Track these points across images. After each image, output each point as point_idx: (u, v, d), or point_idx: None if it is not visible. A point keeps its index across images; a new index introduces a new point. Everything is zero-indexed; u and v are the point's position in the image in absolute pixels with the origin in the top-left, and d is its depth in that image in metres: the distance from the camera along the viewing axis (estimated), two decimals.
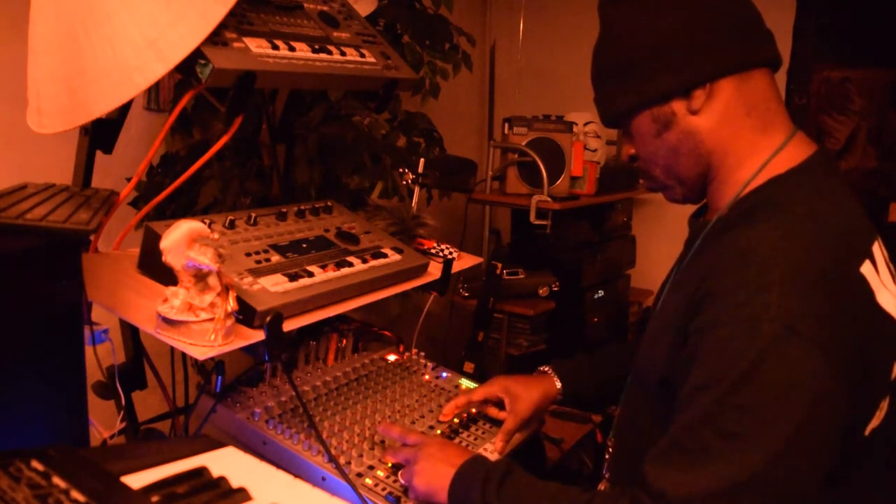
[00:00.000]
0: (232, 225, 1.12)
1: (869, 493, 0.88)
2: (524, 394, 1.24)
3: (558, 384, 1.27)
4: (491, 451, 1.20)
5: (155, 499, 0.59)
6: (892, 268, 0.91)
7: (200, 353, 0.89)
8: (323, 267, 1.10)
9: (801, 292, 0.78)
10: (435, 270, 1.33)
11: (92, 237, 1.10)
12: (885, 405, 0.86)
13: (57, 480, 0.58)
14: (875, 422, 0.85)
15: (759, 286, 0.79)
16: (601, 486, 1.13)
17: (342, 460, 1.07)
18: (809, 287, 0.79)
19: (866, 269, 0.83)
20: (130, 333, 1.16)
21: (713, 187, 0.97)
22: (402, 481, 1.04)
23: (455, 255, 1.42)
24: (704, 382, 0.80)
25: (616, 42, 0.97)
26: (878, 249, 0.88)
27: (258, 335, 0.95)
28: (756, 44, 0.93)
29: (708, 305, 0.83)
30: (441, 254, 1.41)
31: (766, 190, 0.90)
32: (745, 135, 0.92)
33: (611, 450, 1.13)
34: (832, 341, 0.77)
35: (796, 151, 0.92)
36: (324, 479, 1.05)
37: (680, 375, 0.85)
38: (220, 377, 1.16)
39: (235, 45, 1.00)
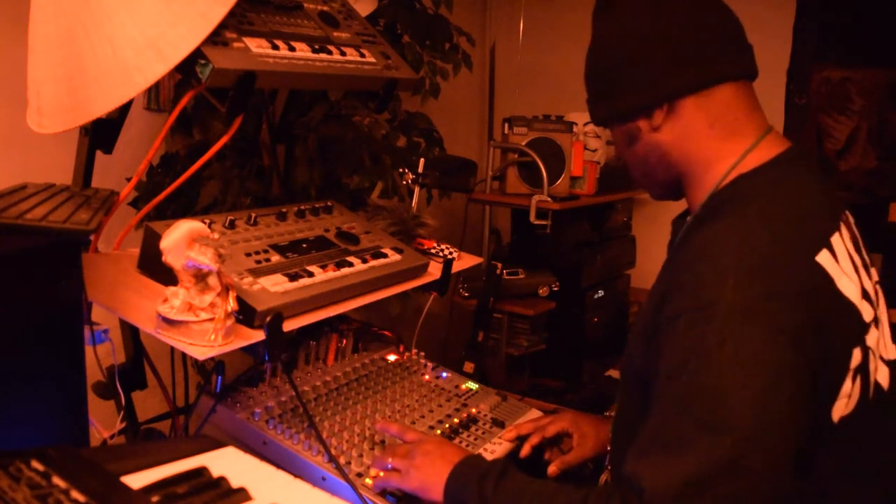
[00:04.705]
0: (232, 225, 1.12)
1: (838, 485, 0.88)
2: (593, 435, 1.24)
3: None
4: (490, 451, 1.20)
5: (155, 499, 0.59)
6: (855, 258, 0.93)
7: (200, 353, 0.89)
8: (323, 267, 1.10)
9: (756, 277, 0.81)
10: (435, 270, 1.33)
11: (92, 237, 1.10)
12: (854, 393, 0.88)
13: (57, 480, 0.58)
14: (843, 409, 0.87)
15: (715, 274, 0.82)
16: (603, 477, 1.17)
17: (342, 460, 1.07)
18: (763, 272, 0.82)
19: (823, 257, 0.86)
20: (130, 333, 1.16)
21: (688, 190, 1.01)
22: (393, 483, 1.04)
23: (455, 255, 1.42)
24: (671, 372, 0.83)
25: (593, 54, 1.02)
26: (838, 240, 0.90)
27: (258, 335, 0.95)
28: (717, 62, 0.94)
29: (672, 298, 0.86)
30: (441, 254, 1.41)
31: (733, 187, 0.94)
32: (708, 144, 0.96)
33: (609, 447, 1.14)
34: (788, 322, 0.80)
35: (767, 150, 0.94)
36: (324, 479, 1.05)
37: (653, 367, 0.87)
38: (220, 377, 1.16)
39: (235, 45, 1.00)
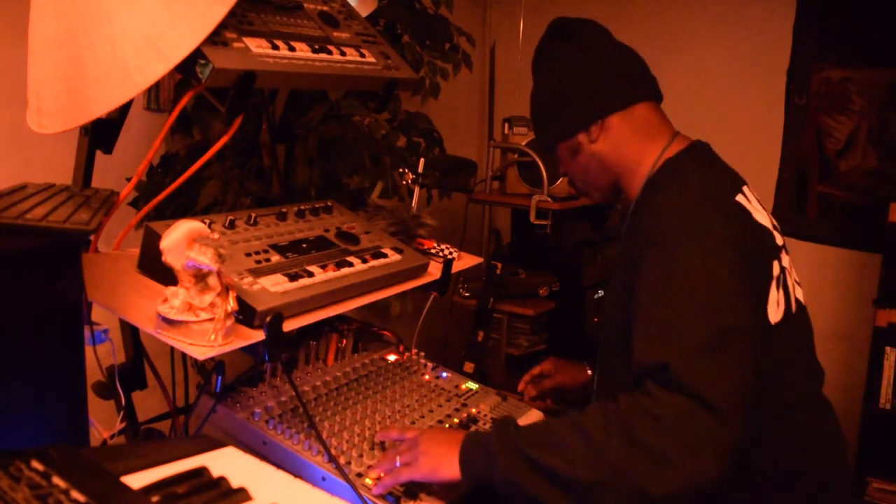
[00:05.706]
0: (232, 225, 1.12)
1: (779, 374, 1.12)
2: (568, 369, 1.57)
3: (590, 372, 1.56)
4: None
5: (155, 499, 0.59)
6: (762, 204, 1.23)
7: (200, 353, 0.89)
8: (323, 267, 1.10)
9: (700, 208, 1.08)
10: (435, 270, 1.33)
11: (92, 237, 1.09)
12: (781, 302, 1.14)
13: (57, 480, 0.58)
14: (776, 315, 1.12)
15: (671, 215, 1.09)
16: None
17: (342, 460, 1.07)
18: (703, 206, 1.09)
19: (740, 198, 1.15)
20: (130, 333, 1.16)
21: (626, 186, 1.28)
22: (402, 477, 1.04)
23: (455, 255, 1.42)
24: (655, 285, 1.04)
25: (540, 92, 1.31)
26: (747, 190, 1.20)
27: (258, 335, 0.94)
28: (633, 87, 1.26)
29: (641, 244, 1.09)
30: (441, 254, 1.41)
31: (663, 169, 1.22)
32: (635, 147, 1.25)
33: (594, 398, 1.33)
34: (730, 234, 1.06)
35: (678, 145, 1.24)
36: (324, 479, 1.05)
37: (633, 304, 1.07)
38: (220, 377, 1.16)
39: (235, 45, 1.00)
